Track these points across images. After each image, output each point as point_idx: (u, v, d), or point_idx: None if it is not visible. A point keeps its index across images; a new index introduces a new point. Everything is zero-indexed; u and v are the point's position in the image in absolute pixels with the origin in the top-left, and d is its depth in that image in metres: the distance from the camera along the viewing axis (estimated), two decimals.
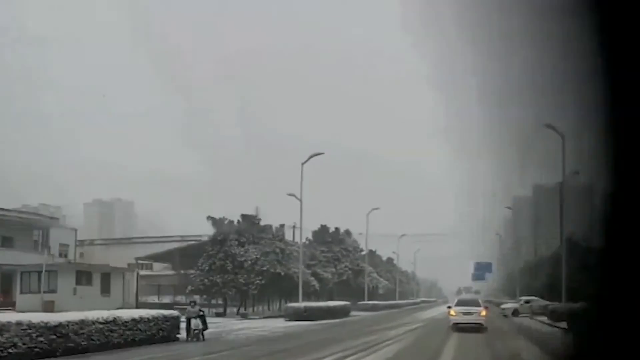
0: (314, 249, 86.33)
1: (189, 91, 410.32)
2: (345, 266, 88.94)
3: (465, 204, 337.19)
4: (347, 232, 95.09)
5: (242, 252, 63.52)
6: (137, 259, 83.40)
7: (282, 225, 69.64)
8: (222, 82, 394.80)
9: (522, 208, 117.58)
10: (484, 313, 36.72)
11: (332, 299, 75.91)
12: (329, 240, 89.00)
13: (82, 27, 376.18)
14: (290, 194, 54.41)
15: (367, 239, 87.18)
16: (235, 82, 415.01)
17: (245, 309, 65.55)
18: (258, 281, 62.44)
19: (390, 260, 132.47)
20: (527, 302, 61.01)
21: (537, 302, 58.85)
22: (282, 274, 62.99)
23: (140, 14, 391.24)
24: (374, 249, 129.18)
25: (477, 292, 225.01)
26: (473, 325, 35.75)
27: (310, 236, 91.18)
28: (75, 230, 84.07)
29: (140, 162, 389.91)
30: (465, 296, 52.71)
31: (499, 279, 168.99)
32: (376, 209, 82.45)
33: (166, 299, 71.31)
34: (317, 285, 75.58)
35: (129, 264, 77.98)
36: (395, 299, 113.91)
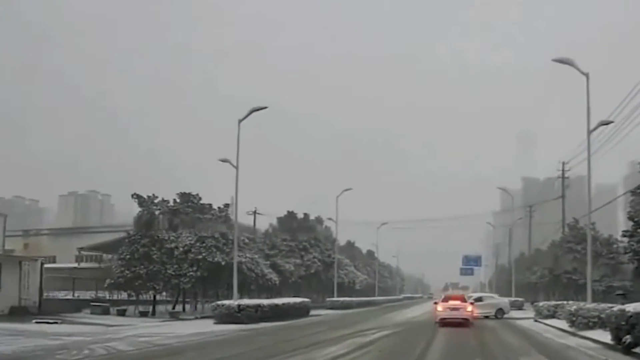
0: (276, 237, 74.11)
1: None
2: (314, 257, 76.77)
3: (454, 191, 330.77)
4: (318, 220, 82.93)
5: (172, 237, 50.99)
6: (80, 249, 73.16)
7: (227, 205, 56.99)
8: None
9: (514, 198, 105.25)
10: (470, 309, 37.63)
11: (298, 295, 67.38)
12: (294, 227, 76.56)
13: None
14: (223, 160, 41.78)
15: (337, 226, 74.75)
16: None
17: (183, 308, 53.45)
18: (192, 272, 49.87)
19: (370, 253, 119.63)
20: (479, 299, 48.91)
21: (491, 299, 50.55)
22: (224, 263, 50.37)
23: None
24: (352, 240, 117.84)
25: (464, 288, 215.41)
26: (460, 320, 35.94)
27: (278, 223, 79.41)
28: (5, 216, 71.82)
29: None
30: (451, 292, 52.82)
31: (489, 274, 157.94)
32: (348, 189, 69.80)
33: (88, 295, 58.24)
34: (275, 278, 63.33)
35: (76, 256, 72.03)
36: (374, 295, 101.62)
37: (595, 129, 33.78)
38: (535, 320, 40.91)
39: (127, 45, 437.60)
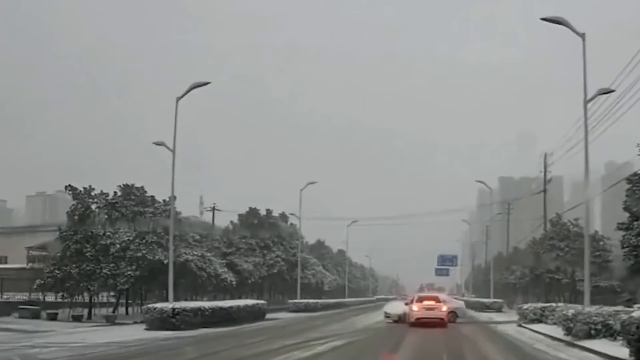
0: (234, 235, 68.36)
1: None
2: (277, 256, 70.87)
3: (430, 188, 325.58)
4: (283, 216, 77.07)
5: (109, 233, 44.96)
6: (29, 248, 67.10)
7: (173, 198, 51.13)
8: None
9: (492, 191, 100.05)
10: (445, 309, 37.74)
11: (261, 297, 62.75)
12: (255, 223, 70.73)
13: None
14: (158, 143, 35.99)
15: (300, 222, 69.16)
16: None
17: (126, 311, 47.58)
18: (130, 272, 43.84)
19: (342, 252, 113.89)
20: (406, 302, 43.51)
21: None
22: (167, 262, 44.38)
23: None
24: (322, 239, 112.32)
25: (440, 289, 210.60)
26: (436, 320, 35.87)
27: (239, 220, 73.54)
28: None
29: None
30: (426, 293, 51.32)
31: (465, 274, 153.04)
32: (312, 183, 64.12)
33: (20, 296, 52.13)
34: (231, 278, 57.61)
35: (27, 256, 65.58)
36: (344, 297, 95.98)
37: (592, 98, 28.37)
38: (520, 326, 35.37)
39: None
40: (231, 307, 39.66)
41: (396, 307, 44.61)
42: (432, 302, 38.17)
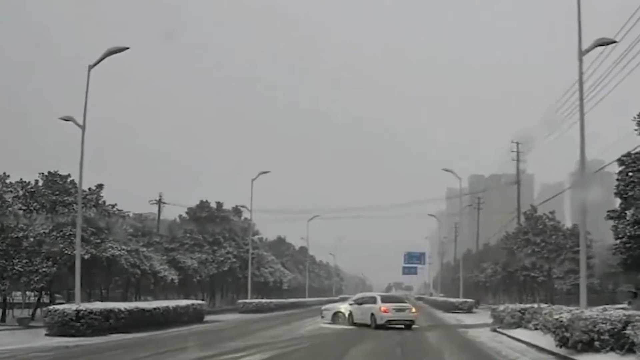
0: (179, 229, 62.48)
1: None
2: (228, 252, 64.92)
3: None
4: (236, 210, 71.01)
5: (23, 225, 38.82)
6: None
7: (100, 186, 45.31)
8: None
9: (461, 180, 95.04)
10: (414, 310, 35.40)
11: (213, 296, 61.57)
12: (202, 217, 64.78)
13: None
14: (65, 118, 29.95)
15: (251, 214, 63.26)
16: None
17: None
18: (46, 268, 37.76)
19: (304, 249, 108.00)
20: (361, 302, 37.07)
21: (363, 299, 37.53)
22: (88, 257, 38.49)
23: None
24: (283, 236, 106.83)
25: (408, 289, 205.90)
26: (406, 322, 33.58)
27: (189, 214, 67.64)
28: None
29: None
30: (394, 293, 47.34)
31: (434, 273, 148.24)
32: (265, 172, 58.29)
33: None
34: (173, 276, 51.91)
35: None
36: (305, 296, 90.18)
37: (589, 50, 22.85)
38: (495, 331, 29.66)
39: None
40: (156, 309, 33.67)
41: (333, 308, 40.24)
42: (401, 304, 35.40)
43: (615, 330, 16.12)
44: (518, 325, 27.82)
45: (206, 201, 68.91)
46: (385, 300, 35.90)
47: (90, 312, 28.04)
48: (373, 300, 35.81)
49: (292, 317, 45.43)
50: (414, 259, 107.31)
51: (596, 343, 16.52)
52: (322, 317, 39.52)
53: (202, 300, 49.25)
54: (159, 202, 67.27)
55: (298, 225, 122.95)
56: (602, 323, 16.34)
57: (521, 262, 59.04)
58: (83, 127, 30.02)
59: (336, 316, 38.18)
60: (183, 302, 38.85)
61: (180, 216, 68.47)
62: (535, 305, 27.76)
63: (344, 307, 38.78)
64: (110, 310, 29.50)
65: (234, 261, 65.22)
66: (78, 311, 27.66)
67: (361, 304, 36.26)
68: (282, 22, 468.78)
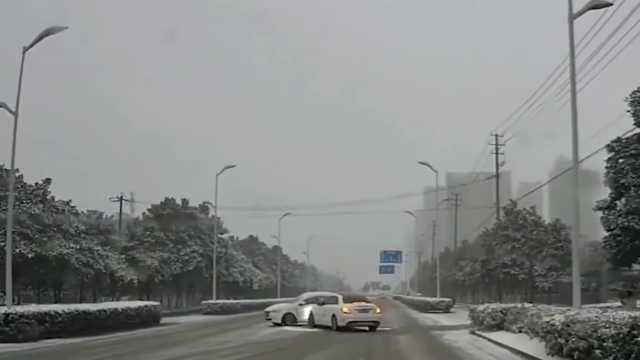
0: (138, 227, 59.32)
1: None
2: (194, 251, 61.73)
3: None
4: (203, 207, 67.79)
5: None
6: None
7: (47, 181, 42.15)
8: None
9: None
10: (378, 310, 32.22)
11: (179, 297, 60.07)
12: (165, 214, 61.49)
13: None
14: None
15: (216, 210, 60.15)
16: None
17: None
18: None
19: (277, 248, 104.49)
20: (322, 302, 33.84)
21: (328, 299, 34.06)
22: (31, 256, 35.35)
23: None
24: (255, 235, 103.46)
25: (386, 288, 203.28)
26: (370, 324, 31.30)
27: (153, 211, 64.35)
28: None
29: None
30: (315, 293, 41.10)
31: (411, 271, 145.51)
32: (230, 167, 55.06)
33: None
34: (133, 276, 48.78)
35: None
36: (276, 296, 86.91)
37: (581, 13, 19.94)
38: (474, 333, 26.70)
39: None
40: (101, 312, 30.41)
41: (282, 309, 36.91)
42: (363, 303, 32.56)
43: (621, 335, 13.18)
44: (499, 327, 24.80)
45: (172, 198, 65.76)
46: (347, 299, 33.28)
47: (22, 316, 24.80)
48: (334, 300, 32.97)
49: (255, 319, 42.13)
50: (390, 258, 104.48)
51: (597, 351, 13.57)
52: (270, 319, 36.58)
53: (160, 302, 46.31)
54: (121, 199, 64.08)
55: (271, 223, 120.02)
56: (605, 327, 13.39)
57: (501, 259, 56.50)
58: (16, 114, 26.92)
59: (286, 318, 35.25)
60: (134, 304, 35.48)
61: (143, 214, 65.25)
62: (519, 305, 24.65)
63: (293, 307, 35.97)
64: (46, 314, 26.28)
65: (199, 260, 62.12)
66: (7, 314, 24.45)
67: (322, 303, 33.21)
68: None
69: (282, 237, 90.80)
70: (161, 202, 64.68)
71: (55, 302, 40.62)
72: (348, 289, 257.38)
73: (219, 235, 68.06)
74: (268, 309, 38.53)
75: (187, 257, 60.65)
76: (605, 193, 31.74)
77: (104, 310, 30.71)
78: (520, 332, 22.21)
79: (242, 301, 63.23)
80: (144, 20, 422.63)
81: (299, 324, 34.45)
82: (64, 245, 39.26)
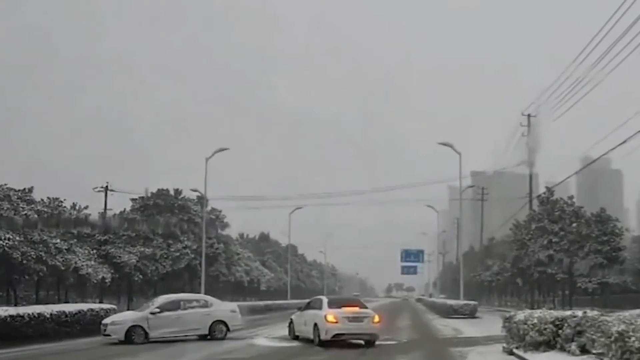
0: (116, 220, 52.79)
1: None
2: (186, 247, 54.93)
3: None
4: (200, 199, 60.92)
5: None
6: None
7: None
8: None
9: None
10: (377, 319, 23.74)
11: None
12: (150, 204, 54.72)
13: None
14: None
15: (204, 203, 53.00)
16: None
17: None
18: None
19: (293, 247, 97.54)
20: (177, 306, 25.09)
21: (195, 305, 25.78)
22: None
23: None
24: (266, 232, 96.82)
25: (410, 289, 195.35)
26: (365, 337, 23.34)
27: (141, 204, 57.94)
28: None
29: None
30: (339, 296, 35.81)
31: (435, 272, 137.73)
32: (223, 149, 47.90)
33: None
34: (105, 274, 41.87)
35: None
36: (287, 298, 79.80)
37: None
38: (511, 353, 18.93)
39: None
40: (15, 317, 23.17)
41: (123, 319, 24.99)
42: (356, 309, 24.07)
43: None
44: (549, 344, 17.11)
45: (165, 189, 59.33)
46: (333, 304, 24.64)
47: None
48: (319, 304, 24.59)
49: (250, 323, 34.90)
50: (411, 257, 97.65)
51: None
52: (108, 334, 24.48)
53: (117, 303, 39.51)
54: (106, 189, 57.26)
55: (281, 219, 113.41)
56: None
57: (535, 255, 48.71)
58: None
59: (133, 332, 24.12)
60: (72, 307, 27.95)
61: (131, 206, 58.53)
62: (579, 313, 16.87)
63: (143, 317, 24.77)
64: None
65: (193, 257, 55.24)
66: None
67: (306, 308, 25.34)
68: None
69: (299, 237, 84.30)
70: (152, 193, 58.22)
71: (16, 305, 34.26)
72: (372, 291, 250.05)
73: (219, 232, 61.58)
74: (105, 320, 25.44)
75: (177, 254, 54.07)
76: None
77: (20, 316, 23.46)
78: (584, 352, 14.73)
79: (241, 303, 56.14)
80: None
81: (164, 338, 24.54)
82: (22, 240, 32.40)
